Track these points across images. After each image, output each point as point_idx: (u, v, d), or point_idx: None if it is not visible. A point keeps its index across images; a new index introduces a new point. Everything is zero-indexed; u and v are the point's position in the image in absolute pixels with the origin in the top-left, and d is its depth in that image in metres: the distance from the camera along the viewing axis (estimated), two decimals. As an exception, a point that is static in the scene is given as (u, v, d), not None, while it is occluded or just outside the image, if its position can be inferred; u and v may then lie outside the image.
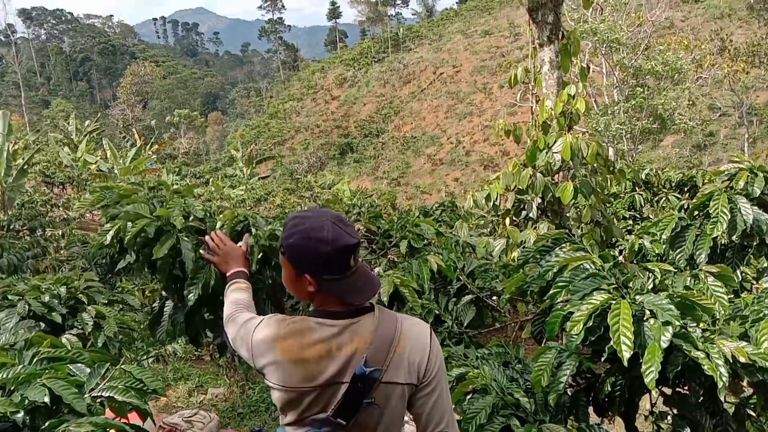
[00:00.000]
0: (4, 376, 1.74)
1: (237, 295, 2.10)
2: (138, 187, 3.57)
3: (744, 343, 1.89)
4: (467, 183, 42.07)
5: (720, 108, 36.88)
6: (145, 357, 7.57)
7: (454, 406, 2.32)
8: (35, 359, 1.90)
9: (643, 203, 8.01)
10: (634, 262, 4.29)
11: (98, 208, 3.32)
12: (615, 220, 7.15)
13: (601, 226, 5.08)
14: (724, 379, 1.76)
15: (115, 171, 23.89)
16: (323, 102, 65.57)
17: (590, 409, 2.30)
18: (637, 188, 8.37)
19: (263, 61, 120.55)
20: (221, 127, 76.04)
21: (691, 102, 25.79)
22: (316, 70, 73.67)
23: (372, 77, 65.58)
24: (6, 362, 1.83)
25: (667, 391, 2.15)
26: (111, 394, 1.87)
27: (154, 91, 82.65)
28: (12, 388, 1.74)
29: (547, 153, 4.90)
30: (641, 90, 24.06)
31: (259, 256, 3.31)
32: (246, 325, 1.87)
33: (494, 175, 5.54)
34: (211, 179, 30.52)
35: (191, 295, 3.10)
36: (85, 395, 1.85)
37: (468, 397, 2.29)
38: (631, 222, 7.85)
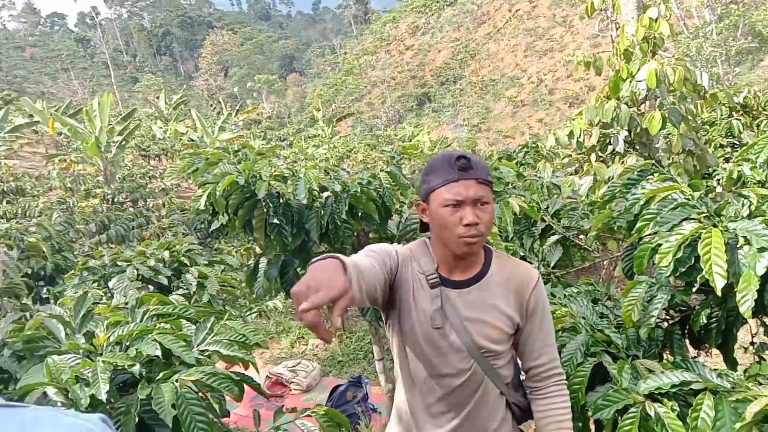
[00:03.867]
0: (120, 332, 1.92)
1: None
2: (223, 152, 3.71)
3: None
4: (552, 123, 40.58)
5: (830, 16, 33.37)
6: (248, 313, 8.02)
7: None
8: (146, 316, 2.07)
9: (741, 129, 7.46)
10: (733, 190, 4.05)
11: (188, 174, 3.50)
12: (710, 148, 6.75)
13: (694, 155, 4.82)
14: (829, 304, 1.68)
15: (205, 140, 24.84)
16: (397, 53, 64.72)
17: (686, 343, 2.25)
18: (734, 113, 7.81)
19: (335, 18, 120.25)
20: (300, 88, 76.93)
21: (796, 13, 23.42)
22: (387, 21, 72.54)
23: (445, 22, 63.81)
24: (121, 320, 2.01)
25: (768, 320, 2.06)
26: (217, 348, 2.02)
27: (233, 58, 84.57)
28: (128, 344, 1.91)
29: (630, 82, 4.67)
30: (735, 7, 22.16)
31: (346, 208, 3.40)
32: None
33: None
34: (294, 141, 31.17)
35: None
36: (194, 349, 1.99)
37: (558, 335, 2.30)
38: (729, 149, 7.36)
